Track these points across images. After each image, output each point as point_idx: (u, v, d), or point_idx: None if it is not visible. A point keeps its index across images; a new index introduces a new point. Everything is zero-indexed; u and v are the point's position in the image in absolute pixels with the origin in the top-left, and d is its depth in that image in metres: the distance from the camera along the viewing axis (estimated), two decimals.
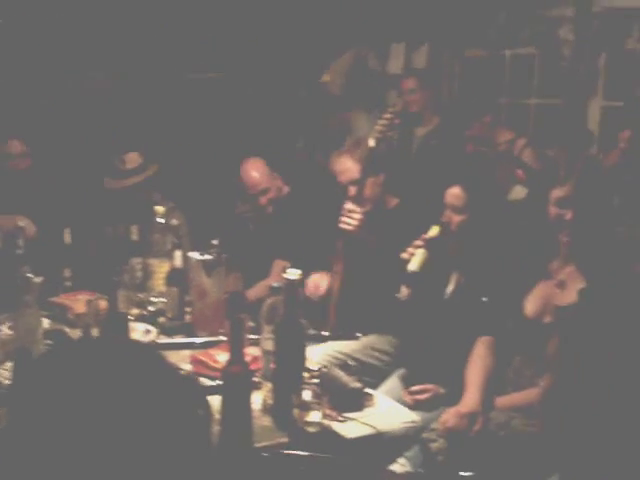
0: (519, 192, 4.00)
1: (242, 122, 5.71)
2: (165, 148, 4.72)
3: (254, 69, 5.86)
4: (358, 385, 2.42)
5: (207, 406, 0.99)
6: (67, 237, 3.40)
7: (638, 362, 1.64)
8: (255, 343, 2.66)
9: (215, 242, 3.04)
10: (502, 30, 5.19)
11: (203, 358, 2.58)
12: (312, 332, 3.14)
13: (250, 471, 1.95)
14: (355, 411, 2.33)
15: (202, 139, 5.66)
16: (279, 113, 5.97)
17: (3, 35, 5.09)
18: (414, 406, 2.74)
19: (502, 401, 2.70)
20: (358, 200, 3.26)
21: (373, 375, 3.04)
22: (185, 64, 5.70)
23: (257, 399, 2.28)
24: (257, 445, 2.09)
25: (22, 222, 3.45)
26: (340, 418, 2.27)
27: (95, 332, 2.47)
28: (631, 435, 1.61)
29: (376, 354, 3.24)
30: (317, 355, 2.95)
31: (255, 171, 3.93)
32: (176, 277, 3.06)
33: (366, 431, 2.24)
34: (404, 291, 3.00)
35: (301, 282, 2.35)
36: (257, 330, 2.64)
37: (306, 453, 1.97)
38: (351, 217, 3.18)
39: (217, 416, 2.07)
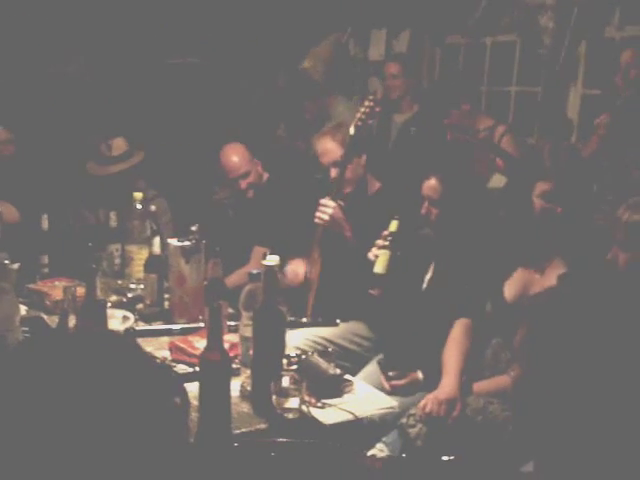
0: (498, 180, 4.01)
1: (221, 108, 5.69)
2: (143, 134, 4.68)
3: (234, 54, 5.83)
4: (337, 372, 2.43)
5: (184, 395, 0.98)
6: (44, 223, 3.38)
7: (611, 346, 1.65)
8: (234, 330, 2.67)
9: (194, 228, 3.03)
10: (482, 17, 5.19)
11: (182, 345, 2.57)
12: (291, 318, 3.15)
13: (229, 458, 1.95)
14: (334, 397, 2.33)
15: (180, 125, 5.62)
16: (259, 99, 5.95)
17: None
18: (392, 392, 2.75)
19: (479, 386, 2.72)
20: (340, 182, 3.26)
21: (353, 361, 3.05)
22: (164, 49, 5.66)
23: (236, 386, 2.28)
24: (236, 431, 2.09)
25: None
26: (319, 404, 2.27)
27: (72, 319, 2.45)
28: (605, 421, 1.63)
29: (356, 339, 3.25)
30: (296, 341, 2.95)
31: (235, 155, 3.93)
32: (155, 264, 3.04)
33: (345, 417, 2.25)
34: (374, 291, 3.04)
35: (280, 269, 2.34)
36: (236, 317, 2.64)
37: (285, 439, 1.97)
38: (324, 212, 3.19)
39: (195, 403, 2.07)
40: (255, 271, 2.44)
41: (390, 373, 2.87)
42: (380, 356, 3.09)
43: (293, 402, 2.19)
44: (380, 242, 2.90)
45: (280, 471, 1.87)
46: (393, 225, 2.91)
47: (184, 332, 2.77)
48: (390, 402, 2.46)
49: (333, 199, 3.21)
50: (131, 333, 2.72)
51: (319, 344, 3.02)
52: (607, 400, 1.59)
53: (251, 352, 2.30)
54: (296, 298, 3.32)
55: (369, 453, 2.49)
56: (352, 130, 3.20)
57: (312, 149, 3.67)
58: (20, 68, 5.16)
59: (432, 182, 2.99)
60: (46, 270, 3.39)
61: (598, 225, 3.16)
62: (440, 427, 2.56)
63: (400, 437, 2.62)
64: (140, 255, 3.30)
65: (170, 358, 2.57)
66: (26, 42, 5.15)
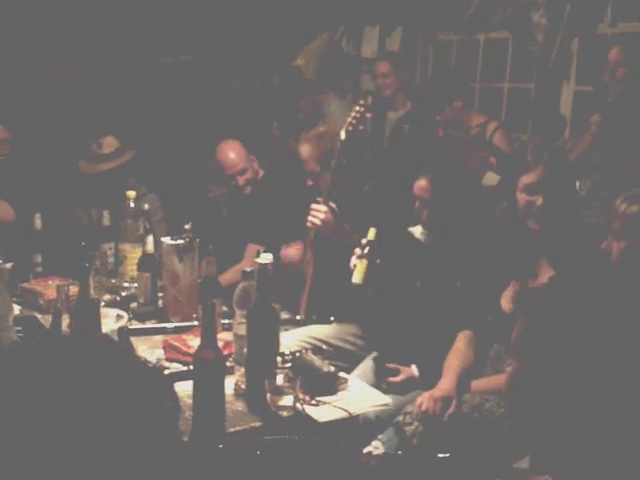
0: (492, 178, 4.01)
1: (214, 106, 5.68)
2: (136, 132, 4.67)
3: (226, 52, 5.82)
4: (331, 369, 2.43)
5: (174, 397, 0.98)
6: (37, 222, 3.37)
7: (604, 343, 1.65)
8: (228, 328, 2.66)
9: (187, 227, 3.02)
10: (475, 14, 5.19)
11: (176, 343, 2.57)
12: (285, 317, 3.15)
13: (223, 456, 1.95)
14: (328, 395, 2.34)
15: (174, 123, 5.61)
16: (252, 97, 5.94)
17: None
18: (387, 389, 2.76)
19: (477, 384, 2.72)
20: (331, 185, 3.26)
21: (347, 359, 3.04)
22: (157, 47, 5.64)
23: (230, 384, 2.28)
24: (230, 430, 2.09)
25: None
26: (313, 402, 2.28)
27: (66, 318, 2.45)
28: (600, 416, 1.63)
29: (350, 338, 3.24)
30: (290, 339, 2.95)
31: (232, 152, 3.93)
32: (148, 262, 3.04)
33: (339, 415, 2.25)
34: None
35: (274, 265, 2.34)
36: (230, 315, 2.64)
37: (279, 437, 1.97)
38: (316, 216, 3.19)
39: (190, 401, 2.07)
40: (249, 269, 2.43)
41: (387, 365, 2.87)
42: (374, 354, 3.09)
43: (287, 400, 2.19)
44: (358, 251, 2.88)
45: (275, 469, 1.87)
46: (371, 233, 2.88)
47: (178, 331, 2.77)
48: (384, 399, 2.47)
49: (325, 201, 3.20)
50: (125, 332, 2.72)
51: (312, 344, 3.02)
52: (602, 393, 1.59)
53: (245, 350, 2.29)
54: (290, 298, 3.33)
55: (365, 450, 2.50)
56: (343, 135, 3.19)
57: None
58: (12, 67, 5.14)
59: (422, 182, 2.99)
60: (39, 269, 3.39)
61: (589, 221, 3.16)
62: (436, 425, 2.56)
63: (396, 435, 2.62)
64: (133, 254, 3.30)
65: (164, 357, 2.57)
66: (18, 41, 5.13)
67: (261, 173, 4.02)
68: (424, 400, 2.59)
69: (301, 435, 2.05)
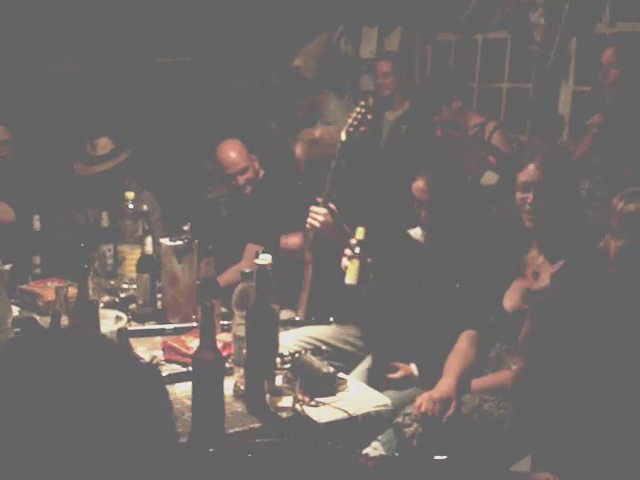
0: (490, 178, 4.01)
1: (213, 107, 5.68)
2: (136, 133, 4.67)
3: (225, 53, 5.82)
4: (331, 370, 2.43)
5: (166, 395, 0.97)
6: (36, 224, 3.37)
7: (608, 343, 1.65)
8: (227, 329, 2.66)
9: (186, 228, 3.02)
10: (473, 14, 5.19)
11: (175, 344, 2.57)
12: (284, 317, 3.15)
13: (222, 458, 1.94)
14: (328, 396, 2.33)
15: (172, 124, 5.61)
16: (251, 97, 5.94)
17: None
18: (386, 385, 2.76)
19: (476, 383, 2.72)
20: (331, 185, 3.26)
21: (346, 360, 3.04)
22: (156, 48, 5.64)
23: (229, 385, 2.28)
24: (229, 431, 2.09)
25: None
26: (313, 403, 2.27)
27: (65, 320, 2.44)
28: (603, 415, 1.63)
29: (349, 339, 3.24)
30: (290, 340, 2.95)
31: (233, 151, 3.93)
32: (147, 263, 3.03)
33: (338, 415, 2.25)
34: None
35: (272, 266, 2.33)
36: (229, 316, 2.64)
37: (276, 439, 1.97)
38: (315, 219, 3.19)
39: (189, 402, 2.07)
40: (247, 270, 2.43)
41: (384, 365, 2.87)
42: (373, 354, 3.09)
43: (287, 401, 2.18)
44: (348, 252, 2.87)
45: (271, 471, 1.87)
46: (360, 232, 2.88)
47: (177, 332, 2.77)
48: (384, 400, 2.46)
49: (324, 203, 3.20)
50: (124, 333, 2.71)
51: (311, 345, 3.02)
52: (606, 391, 1.59)
53: (244, 351, 2.29)
54: (289, 298, 3.33)
55: (364, 452, 2.49)
56: (344, 136, 3.19)
57: None
58: (12, 67, 5.13)
59: (419, 184, 2.99)
60: (38, 271, 3.39)
61: (589, 221, 3.16)
62: (435, 426, 2.56)
63: (395, 436, 2.62)
64: (132, 255, 3.30)
65: (163, 358, 2.57)
66: (18, 42, 5.13)
67: (262, 173, 4.02)
68: (423, 401, 2.59)
69: (299, 436, 2.05)
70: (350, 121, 3.21)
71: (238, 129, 4.56)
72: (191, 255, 2.95)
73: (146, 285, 3.02)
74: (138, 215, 3.36)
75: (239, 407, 2.24)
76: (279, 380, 2.21)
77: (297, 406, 2.19)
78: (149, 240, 3.03)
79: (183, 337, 2.63)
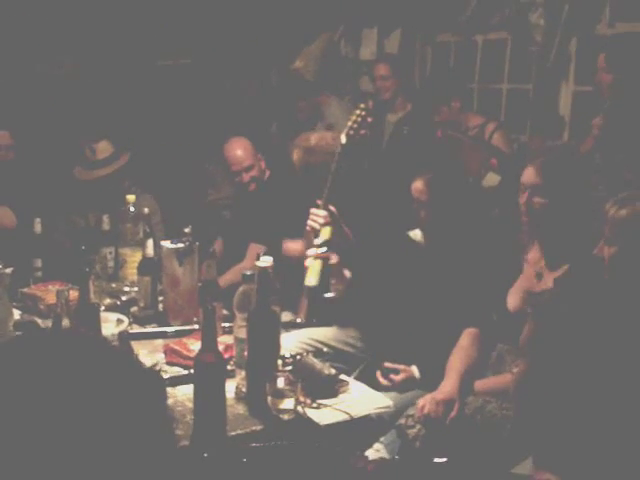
0: (493, 179, 4.01)
1: (214, 109, 5.68)
2: (136, 135, 4.67)
3: (226, 55, 5.82)
4: (332, 372, 2.43)
5: (165, 398, 0.97)
6: (37, 227, 3.37)
7: (610, 348, 1.65)
8: (229, 331, 2.66)
9: (187, 230, 3.02)
10: (473, 15, 5.19)
11: (176, 347, 2.57)
12: (286, 319, 3.15)
13: (224, 460, 1.94)
14: (329, 398, 2.33)
15: (173, 127, 5.61)
16: (251, 99, 5.94)
17: None
18: (388, 388, 2.76)
19: (479, 385, 2.71)
20: (331, 188, 3.26)
21: (347, 362, 3.04)
22: (156, 51, 5.65)
23: (231, 387, 2.28)
24: (231, 433, 2.09)
25: None
26: (314, 405, 2.27)
27: (66, 323, 2.44)
28: (604, 418, 1.63)
29: (350, 341, 3.24)
30: (291, 341, 2.95)
31: (239, 148, 3.96)
32: (148, 266, 3.04)
33: (340, 417, 2.24)
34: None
35: (274, 268, 2.33)
36: (230, 318, 2.64)
37: (276, 443, 1.97)
38: (316, 221, 3.19)
39: (191, 405, 2.07)
40: (249, 272, 2.43)
41: (386, 364, 2.87)
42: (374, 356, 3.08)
43: (288, 403, 2.18)
44: (312, 252, 2.87)
45: (272, 475, 1.87)
46: (325, 232, 2.87)
47: (178, 334, 2.77)
48: (386, 401, 2.46)
49: (324, 205, 3.20)
50: (125, 336, 2.71)
51: (313, 347, 3.02)
52: (607, 393, 1.59)
53: (246, 353, 2.29)
54: (291, 300, 3.32)
55: (366, 453, 2.49)
56: (344, 139, 3.18)
57: None
58: (11, 70, 5.14)
59: (418, 184, 2.99)
60: (39, 274, 3.39)
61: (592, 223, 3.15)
62: (438, 428, 2.56)
63: (398, 438, 2.62)
64: (133, 258, 3.30)
65: (165, 361, 2.57)
66: (16, 44, 5.13)
67: (268, 173, 4.04)
68: (426, 403, 2.58)
69: (302, 438, 2.05)
70: (350, 124, 3.21)
71: (238, 130, 4.57)
72: (192, 257, 2.95)
73: (147, 288, 3.02)
74: (139, 218, 3.35)
75: (241, 409, 2.24)
76: (281, 382, 2.21)
77: (299, 408, 2.19)
78: (150, 243, 3.03)
79: (185, 340, 2.62)
